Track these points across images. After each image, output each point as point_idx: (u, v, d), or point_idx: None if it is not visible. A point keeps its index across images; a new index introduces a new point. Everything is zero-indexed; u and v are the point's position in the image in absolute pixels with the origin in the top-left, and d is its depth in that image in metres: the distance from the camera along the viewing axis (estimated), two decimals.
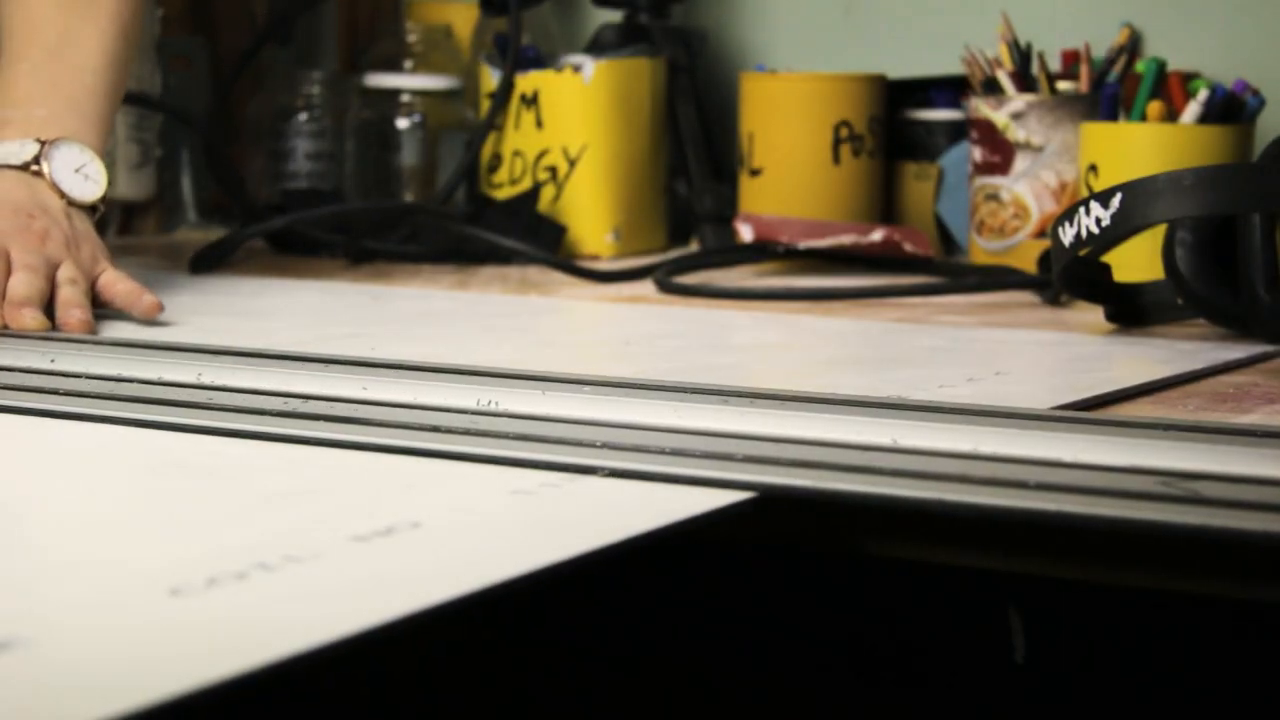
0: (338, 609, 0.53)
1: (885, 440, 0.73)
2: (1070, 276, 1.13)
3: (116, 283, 1.13)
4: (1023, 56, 1.51)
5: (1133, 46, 1.55)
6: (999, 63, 1.51)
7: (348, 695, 0.85)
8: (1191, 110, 1.35)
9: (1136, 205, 1.05)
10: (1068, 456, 0.70)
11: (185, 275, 1.41)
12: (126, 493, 0.69)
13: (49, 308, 1.08)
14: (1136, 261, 1.20)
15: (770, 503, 0.67)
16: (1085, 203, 1.07)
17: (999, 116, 1.48)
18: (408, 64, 1.73)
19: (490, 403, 0.82)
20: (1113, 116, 1.39)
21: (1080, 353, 1.05)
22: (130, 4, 1.23)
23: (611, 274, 1.44)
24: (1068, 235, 1.08)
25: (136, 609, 0.53)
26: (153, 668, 0.47)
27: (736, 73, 1.64)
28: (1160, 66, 1.39)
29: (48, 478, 0.73)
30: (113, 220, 1.66)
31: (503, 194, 1.60)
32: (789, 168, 1.56)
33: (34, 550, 0.60)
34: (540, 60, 1.62)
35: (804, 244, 1.44)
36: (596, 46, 1.64)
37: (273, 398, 0.84)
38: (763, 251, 1.46)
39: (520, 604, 0.86)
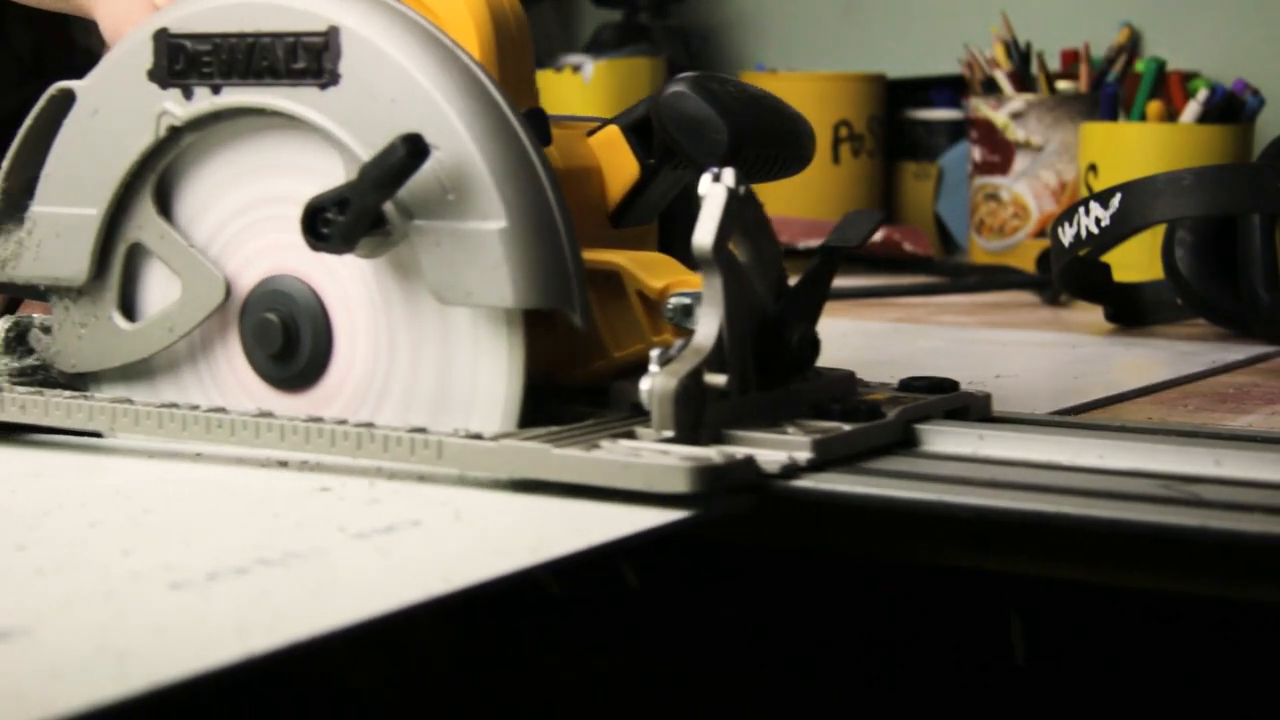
0: (337, 603, 0.53)
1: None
2: (1070, 276, 1.13)
3: None
4: (1021, 56, 1.51)
5: (1132, 46, 1.55)
6: (997, 63, 1.52)
7: (347, 689, 0.85)
8: (1191, 110, 1.35)
9: (1136, 205, 1.05)
10: (1067, 459, 0.70)
11: None
12: (126, 493, 0.69)
13: None
14: (1136, 261, 1.21)
15: (770, 505, 0.67)
16: (1085, 203, 1.07)
17: (998, 116, 1.48)
18: None
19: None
20: (1112, 116, 1.39)
21: (1080, 354, 1.05)
22: None
23: None
24: (1067, 235, 1.08)
25: (136, 601, 0.53)
26: (151, 655, 0.47)
27: (736, 73, 1.64)
28: (1160, 66, 1.39)
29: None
30: None
31: None
32: None
33: (34, 546, 0.60)
34: (540, 60, 1.62)
35: (804, 244, 1.44)
36: (596, 46, 1.64)
37: None
38: None
39: (519, 603, 0.86)
